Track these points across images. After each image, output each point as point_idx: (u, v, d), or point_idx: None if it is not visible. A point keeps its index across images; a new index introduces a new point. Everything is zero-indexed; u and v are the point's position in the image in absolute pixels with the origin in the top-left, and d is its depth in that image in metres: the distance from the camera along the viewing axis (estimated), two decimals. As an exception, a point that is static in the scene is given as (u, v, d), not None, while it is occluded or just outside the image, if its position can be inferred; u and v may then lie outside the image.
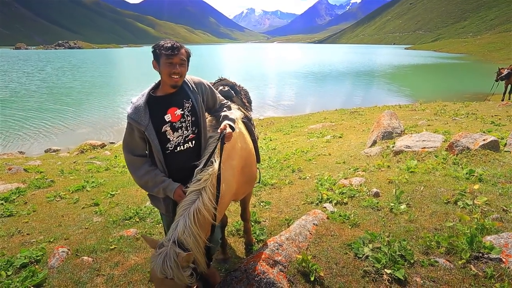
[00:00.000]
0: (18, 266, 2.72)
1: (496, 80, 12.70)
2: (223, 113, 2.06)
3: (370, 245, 2.41)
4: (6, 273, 2.61)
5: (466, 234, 2.33)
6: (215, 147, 1.88)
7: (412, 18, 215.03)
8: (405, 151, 4.84)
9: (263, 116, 14.40)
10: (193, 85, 1.94)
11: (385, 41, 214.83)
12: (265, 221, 3.41)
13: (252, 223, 3.29)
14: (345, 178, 4.28)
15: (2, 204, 4.32)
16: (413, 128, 6.84)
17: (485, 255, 2.15)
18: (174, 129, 1.87)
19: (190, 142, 1.93)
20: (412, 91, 21.16)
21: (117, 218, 3.72)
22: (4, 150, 9.57)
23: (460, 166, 4.00)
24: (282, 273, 2.11)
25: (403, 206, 3.10)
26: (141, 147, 1.91)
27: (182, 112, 1.88)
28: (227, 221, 2.92)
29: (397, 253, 2.27)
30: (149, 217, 3.75)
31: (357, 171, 4.58)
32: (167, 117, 1.85)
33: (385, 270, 2.14)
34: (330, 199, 3.58)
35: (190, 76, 1.97)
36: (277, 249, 2.28)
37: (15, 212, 4.07)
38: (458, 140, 4.43)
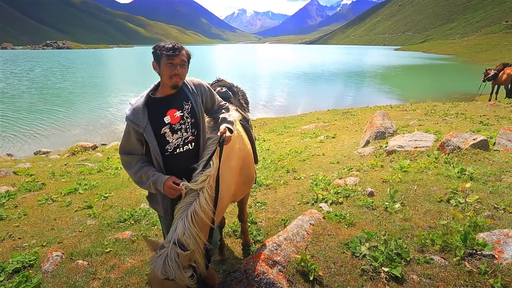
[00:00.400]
0: (10, 272, 2.66)
1: (484, 81, 13.02)
2: (221, 115, 2.06)
3: (367, 244, 2.44)
4: (-2, 278, 2.56)
5: (460, 232, 2.38)
6: (214, 150, 1.87)
7: (401, 20, 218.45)
8: (398, 151, 4.91)
9: (255, 116, 14.41)
10: (193, 87, 1.93)
11: (375, 42, 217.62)
12: (261, 222, 3.42)
13: (249, 224, 3.29)
14: (339, 178, 4.32)
15: (-9, 208, 4.21)
16: (405, 128, 6.95)
17: (479, 252, 2.20)
18: (173, 131, 1.86)
19: (189, 144, 1.92)
20: (402, 92, 21.47)
21: (112, 221, 3.67)
22: (-8, 153, 9.33)
23: (452, 165, 4.08)
24: (281, 273, 2.12)
25: (397, 205, 3.15)
26: (138, 149, 1.89)
27: (182, 114, 1.87)
28: (225, 222, 2.92)
29: (394, 251, 2.31)
30: (144, 219, 3.71)
31: (351, 171, 4.63)
32: (167, 119, 1.83)
33: (383, 268, 2.17)
34: (326, 199, 3.61)
35: (190, 78, 1.96)
36: (275, 249, 2.29)
37: (5, 216, 3.97)
38: (449, 140, 4.53)
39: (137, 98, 1.85)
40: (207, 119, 2.14)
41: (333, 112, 12.63)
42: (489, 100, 11.95)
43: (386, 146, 5.23)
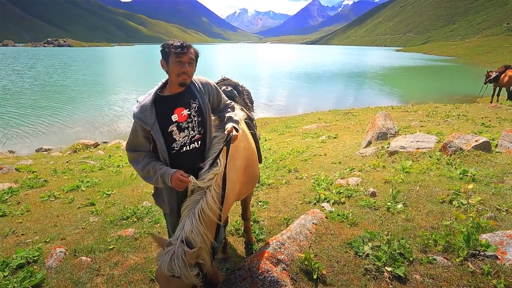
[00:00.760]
0: (14, 267, 2.67)
1: (485, 83, 13.03)
2: (227, 114, 2.07)
3: (370, 244, 2.45)
4: (2, 273, 2.56)
5: (463, 233, 2.39)
6: (221, 149, 1.88)
7: (402, 21, 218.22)
8: (400, 152, 4.92)
9: (257, 116, 14.40)
10: (200, 86, 1.94)
11: (376, 43, 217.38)
12: (263, 221, 3.43)
13: (251, 223, 3.30)
14: (341, 178, 4.33)
15: (-6, 204, 4.23)
16: (406, 129, 6.96)
17: (482, 253, 2.21)
18: (180, 129, 1.87)
19: (196, 143, 1.93)
20: (403, 93, 21.47)
21: (114, 218, 3.69)
22: (-7, 149, 9.34)
23: (454, 166, 4.09)
24: (285, 272, 2.13)
25: (399, 206, 3.16)
26: (145, 146, 1.90)
27: (189, 112, 1.88)
28: (228, 221, 2.93)
29: (397, 251, 2.32)
30: (146, 217, 3.73)
31: (353, 171, 4.64)
32: (174, 117, 1.84)
33: (386, 267, 2.19)
34: (328, 199, 3.62)
35: (197, 77, 1.97)
36: (279, 248, 2.30)
37: (8, 212, 3.99)
38: (451, 141, 4.53)
39: (145, 96, 1.86)
40: (213, 117, 2.15)
41: (334, 113, 12.64)
42: (491, 102, 11.96)
43: (388, 147, 5.24)
